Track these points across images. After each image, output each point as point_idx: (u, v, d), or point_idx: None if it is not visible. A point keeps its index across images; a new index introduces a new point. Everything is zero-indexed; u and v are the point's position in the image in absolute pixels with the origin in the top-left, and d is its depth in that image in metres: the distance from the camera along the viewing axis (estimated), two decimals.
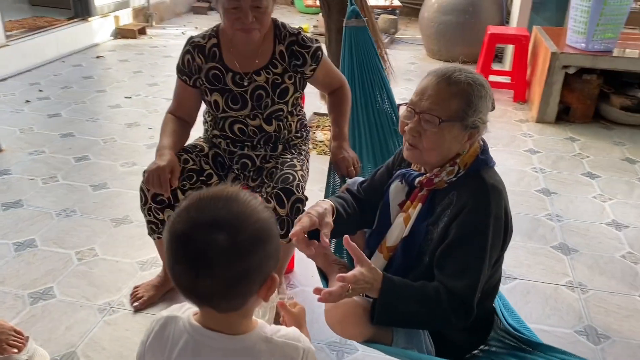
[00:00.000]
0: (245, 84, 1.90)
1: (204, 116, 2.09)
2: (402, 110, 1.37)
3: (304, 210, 1.82)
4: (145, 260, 2.27)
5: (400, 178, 1.44)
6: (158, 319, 0.95)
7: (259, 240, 0.84)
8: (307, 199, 1.83)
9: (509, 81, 4.50)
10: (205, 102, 1.97)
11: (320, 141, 3.53)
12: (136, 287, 2.07)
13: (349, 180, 1.80)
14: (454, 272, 1.27)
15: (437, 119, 1.28)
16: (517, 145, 3.55)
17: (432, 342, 1.36)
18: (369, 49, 2.12)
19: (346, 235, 1.25)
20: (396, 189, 1.45)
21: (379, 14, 6.43)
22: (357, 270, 1.22)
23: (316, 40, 1.96)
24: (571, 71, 3.73)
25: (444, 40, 5.30)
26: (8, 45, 4.37)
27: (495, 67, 4.96)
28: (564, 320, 2.02)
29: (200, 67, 1.90)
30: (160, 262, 2.20)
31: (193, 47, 1.90)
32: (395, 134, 2.03)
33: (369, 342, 1.35)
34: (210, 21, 6.92)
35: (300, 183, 1.84)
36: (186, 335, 0.90)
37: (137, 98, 4.12)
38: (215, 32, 1.92)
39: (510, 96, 4.39)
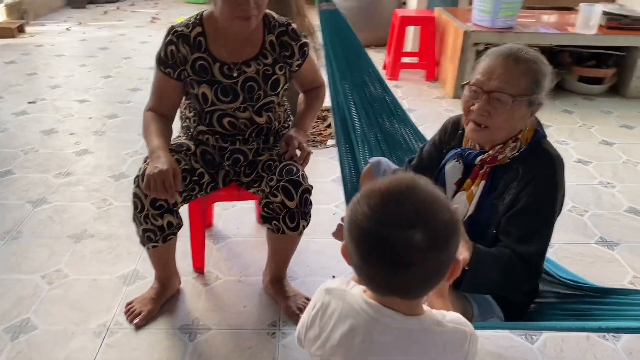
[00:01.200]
0: (235, 75, 1.81)
1: (183, 112, 1.96)
2: (466, 91, 1.40)
3: (311, 201, 1.81)
4: (126, 274, 2.09)
5: (456, 157, 1.48)
6: (323, 292, 0.94)
7: (452, 231, 0.83)
8: (312, 187, 1.81)
9: (416, 61, 4.74)
10: (190, 95, 1.85)
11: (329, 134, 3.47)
12: (129, 304, 1.91)
13: (371, 161, 1.80)
14: (523, 238, 1.35)
15: (510, 97, 1.32)
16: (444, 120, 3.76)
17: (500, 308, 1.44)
18: (347, 31, 2.12)
19: None
20: (453, 169, 1.49)
21: None
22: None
23: (304, 35, 1.92)
24: (481, 47, 4.03)
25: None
26: None
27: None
28: None
29: (185, 57, 1.78)
30: (148, 274, 2.05)
31: (177, 36, 1.77)
32: (392, 112, 2.06)
33: None
34: (92, 15, 6.43)
35: (304, 173, 1.81)
36: (360, 312, 0.88)
37: (44, 102, 3.72)
38: (199, 20, 1.80)
39: (422, 76, 4.62)
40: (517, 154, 1.41)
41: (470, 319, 1.38)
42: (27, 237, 2.28)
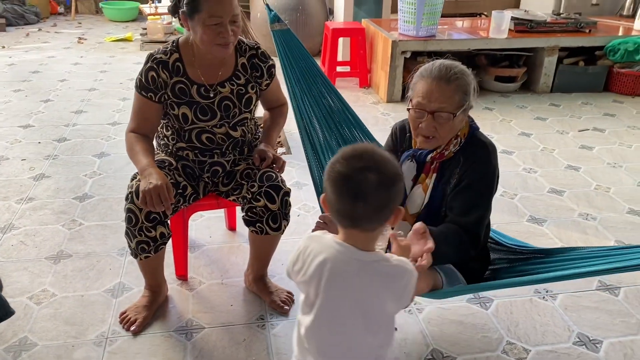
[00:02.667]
0: (211, 95, 1.99)
1: (160, 131, 2.11)
2: (412, 112, 1.66)
3: (290, 203, 2.02)
4: (112, 287, 2.20)
5: (409, 158, 1.75)
6: (306, 238, 1.27)
7: (396, 179, 1.17)
8: (290, 190, 2.02)
9: (348, 70, 5.05)
10: (169, 115, 2.00)
11: None
12: (123, 313, 2.02)
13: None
14: (465, 211, 1.64)
15: (451, 114, 1.60)
16: (383, 123, 4.08)
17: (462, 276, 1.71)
18: (299, 48, 2.34)
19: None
20: (408, 168, 1.75)
21: None
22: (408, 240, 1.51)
23: (271, 57, 2.12)
24: (408, 55, 4.40)
25: None
26: None
27: None
28: None
29: (165, 82, 1.94)
30: (134, 285, 2.17)
31: (157, 63, 1.93)
32: (349, 121, 2.30)
33: (428, 293, 1.65)
34: (14, 37, 6.26)
35: (282, 178, 2.02)
36: (330, 248, 1.20)
37: None
38: (175, 47, 1.97)
39: (356, 83, 4.93)
40: (458, 147, 1.70)
41: (440, 287, 1.65)
42: (2, 263, 2.32)
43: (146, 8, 6.84)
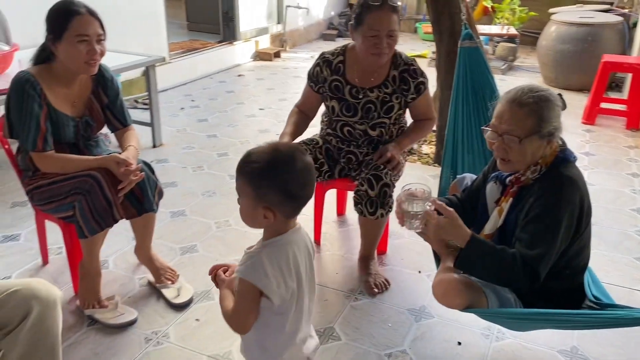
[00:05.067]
0: (360, 97, 2.34)
1: (322, 117, 2.57)
2: (487, 132, 1.70)
3: (390, 195, 2.22)
4: None
5: (494, 179, 1.79)
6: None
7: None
8: (394, 185, 2.22)
9: (624, 109, 4.51)
10: (325, 105, 2.45)
11: (426, 154, 3.87)
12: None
13: (457, 178, 2.17)
14: (528, 243, 1.59)
15: (517, 138, 1.60)
16: (620, 168, 3.62)
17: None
18: (481, 67, 2.45)
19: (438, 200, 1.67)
20: (492, 189, 1.79)
21: (498, 42, 6.64)
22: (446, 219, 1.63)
23: (424, 75, 2.34)
24: None
25: (560, 68, 5.40)
26: (170, 62, 5.27)
27: (613, 95, 4.98)
28: None
29: (325, 78, 2.37)
30: None
31: (323, 61, 2.39)
32: None
33: (468, 308, 1.69)
34: (337, 46, 7.56)
35: (389, 173, 2.23)
36: (296, 238, 1.34)
37: (269, 110, 4.77)
38: (343, 51, 2.38)
39: (623, 123, 4.40)
40: (538, 175, 1.64)
41: (486, 306, 1.66)
42: (218, 196, 3.15)
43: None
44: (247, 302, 1.26)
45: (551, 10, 6.07)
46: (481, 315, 1.76)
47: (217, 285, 1.41)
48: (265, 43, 6.80)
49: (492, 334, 2.08)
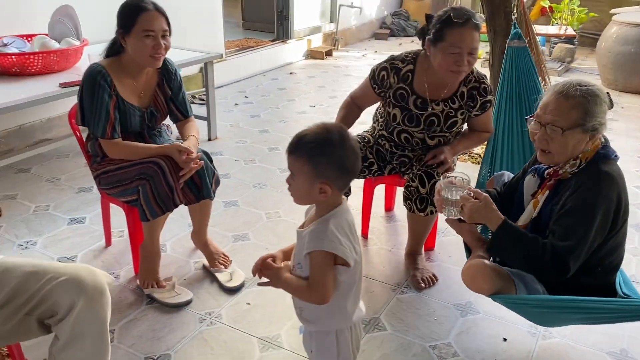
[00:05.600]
0: (425, 108, 2.28)
1: (376, 114, 2.57)
2: (531, 123, 1.72)
3: None
4: None
5: (533, 172, 1.80)
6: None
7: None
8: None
9: None
10: (384, 110, 2.40)
11: (477, 154, 3.85)
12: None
13: (495, 174, 2.19)
14: (560, 235, 1.60)
15: (560, 129, 1.61)
16: None
17: None
18: (528, 67, 2.45)
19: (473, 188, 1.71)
20: (529, 182, 1.81)
21: (555, 43, 6.49)
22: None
23: (492, 92, 2.31)
24: None
25: (620, 71, 5.24)
26: (226, 60, 5.43)
27: None
28: None
29: (391, 85, 2.30)
30: None
31: (391, 67, 2.29)
32: None
33: (496, 294, 1.71)
34: (389, 46, 7.57)
35: (440, 172, 2.25)
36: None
37: (320, 107, 4.85)
38: (413, 60, 2.29)
39: None
40: (576, 170, 1.65)
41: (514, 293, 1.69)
42: (268, 189, 3.25)
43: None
44: (326, 272, 1.33)
45: (613, 10, 5.88)
46: (508, 303, 1.75)
47: (265, 276, 1.41)
48: (317, 42, 6.89)
49: (538, 332, 2.08)
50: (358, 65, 6.45)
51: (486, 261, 1.73)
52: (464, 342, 2.04)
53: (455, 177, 1.75)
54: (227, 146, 3.90)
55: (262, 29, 6.75)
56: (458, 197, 1.71)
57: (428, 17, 2.22)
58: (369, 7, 7.93)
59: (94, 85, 2.11)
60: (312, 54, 6.68)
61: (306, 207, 1.50)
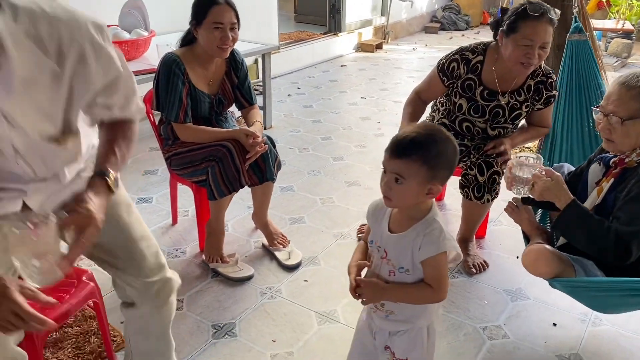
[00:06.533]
0: (491, 99, 2.34)
1: (436, 104, 2.63)
2: (597, 113, 1.78)
3: (499, 182, 2.31)
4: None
5: (598, 160, 1.86)
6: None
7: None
8: (503, 173, 2.30)
9: None
10: (448, 99, 2.46)
11: (528, 147, 3.87)
12: (362, 225, 2.75)
13: (554, 166, 2.23)
14: (624, 221, 1.65)
15: (620, 119, 1.67)
16: None
17: None
18: (589, 61, 2.47)
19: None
20: (594, 170, 1.86)
21: (611, 38, 6.35)
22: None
23: (557, 88, 2.36)
24: None
25: None
26: (279, 52, 5.58)
27: None
28: None
29: (460, 75, 2.36)
30: None
31: (461, 58, 2.34)
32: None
33: (556, 278, 1.77)
34: (439, 40, 7.57)
35: (498, 162, 2.31)
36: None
37: (370, 99, 4.94)
38: (483, 51, 2.34)
39: None
40: None
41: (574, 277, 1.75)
42: (322, 176, 3.38)
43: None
44: (446, 269, 1.34)
45: None
46: (567, 287, 1.78)
47: (364, 295, 1.38)
48: (367, 35, 6.96)
49: (588, 319, 2.13)
50: (408, 58, 6.49)
51: (548, 246, 1.80)
52: (513, 326, 2.11)
53: (527, 157, 1.83)
54: (281, 135, 4.05)
55: (314, 21, 6.87)
56: (529, 176, 1.78)
57: (504, 10, 2.28)
58: (420, 0, 7.94)
59: (169, 73, 2.27)
60: (362, 47, 6.76)
61: (372, 206, 1.47)
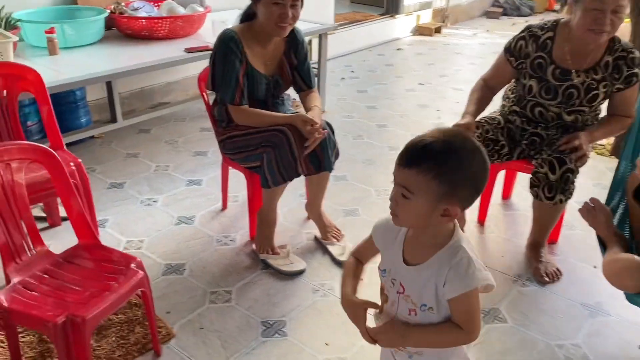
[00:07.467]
0: (564, 80, 2.13)
1: (506, 92, 2.42)
2: None
3: (573, 181, 2.07)
4: None
5: None
6: None
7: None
8: (578, 171, 2.07)
9: None
10: (518, 82, 2.28)
11: (601, 145, 3.56)
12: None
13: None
14: None
15: None
16: None
17: None
18: None
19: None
20: None
21: None
22: None
23: (639, 65, 2.09)
24: None
25: None
26: (333, 33, 5.38)
27: None
28: None
29: (529, 54, 2.18)
30: None
31: (529, 35, 2.19)
32: None
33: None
34: (501, 25, 7.18)
35: (573, 159, 2.06)
36: None
37: (429, 85, 4.69)
38: (553, 27, 2.16)
39: None
40: None
41: None
42: (377, 166, 3.19)
43: None
44: (478, 306, 1.13)
45: None
46: None
47: (383, 343, 1.24)
48: (426, 18, 6.66)
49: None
50: (469, 44, 6.17)
51: (637, 257, 1.57)
52: (594, 345, 1.90)
53: None
54: (334, 120, 3.82)
55: (370, 2, 6.62)
56: None
57: None
58: None
59: (226, 51, 2.13)
60: (420, 30, 6.48)
61: (380, 227, 1.26)
